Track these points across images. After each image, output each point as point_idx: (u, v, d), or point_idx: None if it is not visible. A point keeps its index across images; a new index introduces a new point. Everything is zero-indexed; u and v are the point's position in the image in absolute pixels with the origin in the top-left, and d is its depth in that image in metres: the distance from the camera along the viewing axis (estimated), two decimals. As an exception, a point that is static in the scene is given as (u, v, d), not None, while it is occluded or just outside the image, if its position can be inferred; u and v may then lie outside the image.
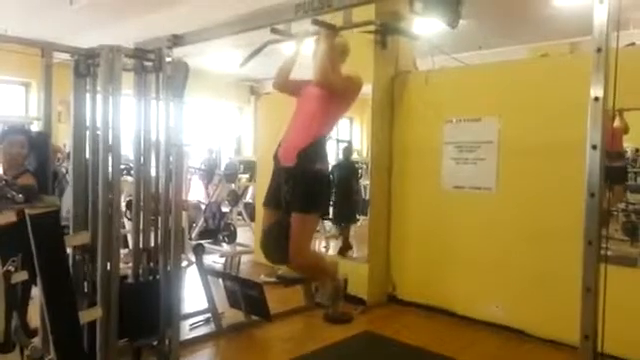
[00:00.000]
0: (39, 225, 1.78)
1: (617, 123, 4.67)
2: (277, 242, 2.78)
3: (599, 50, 1.82)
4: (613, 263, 2.00)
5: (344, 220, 7.30)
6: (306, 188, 2.66)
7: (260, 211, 6.39)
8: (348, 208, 7.23)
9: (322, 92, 2.74)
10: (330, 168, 2.83)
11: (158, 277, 3.13)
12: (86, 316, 2.43)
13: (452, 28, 2.82)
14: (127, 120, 3.06)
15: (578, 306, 1.89)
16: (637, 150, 6.53)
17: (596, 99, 1.82)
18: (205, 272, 4.24)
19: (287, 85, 2.95)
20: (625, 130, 5.33)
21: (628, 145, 6.11)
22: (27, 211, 1.78)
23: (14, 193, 1.87)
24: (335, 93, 2.72)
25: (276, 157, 2.81)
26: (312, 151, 2.65)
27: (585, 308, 1.87)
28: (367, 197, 5.92)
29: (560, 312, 3.66)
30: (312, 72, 2.92)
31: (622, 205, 6.04)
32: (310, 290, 4.65)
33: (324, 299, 3.03)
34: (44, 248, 1.80)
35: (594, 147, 1.82)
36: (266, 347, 3.96)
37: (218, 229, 6.95)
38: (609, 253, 2.05)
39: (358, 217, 7.88)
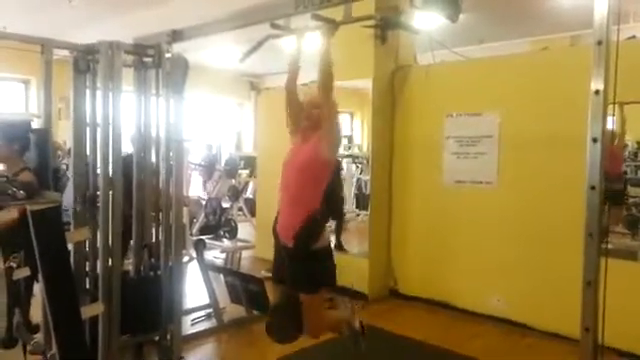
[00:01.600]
0: (40, 221, 1.78)
1: (616, 142, 4.67)
2: (283, 323, 2.79)
3: (600, 43, 1.81)
4: (614, 256, 2.00)
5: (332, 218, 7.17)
6: (308, 270, 2.66)
7: (262, 208, 6.42)
8: (333, 205, 7.11)
9: (305, 157, 2.66)
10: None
11: (159, 273, 3.13)
12: (88, 312, 2.43)
13: (452, 22, 2.81)
14: (127, 116, 3.06)
15: (579, 299, 1.90)
16: (638, 143, 6.51)
17: (597, 92, 1.81)
18: (206, 267, 4.25)
19: (293, 94, 2.91)
20: (623, 136, 5.32)
21: (629, 138, 6.09)
22: (28, 207, 1.78)
23: (15, 189, 1.87)
24: (319, 156, 2.63)
25: (275, 231, 2.79)
26: (307, 232, 2.61)
27: (586, 301, 1.87)
28: (367, 192, 5.92)
29: (561, 305, 3.66)
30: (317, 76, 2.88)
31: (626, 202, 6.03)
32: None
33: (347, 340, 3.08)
34: (45, 244, 1.80)
35: (595, 140, 1.81)
36: (267, 342, 3.93)
37: (219, 225, 6.96)
38: (610, 246, 2.05)
39: (345, 212, 7.82)
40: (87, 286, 3.07)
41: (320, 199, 2.71)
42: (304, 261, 2.64)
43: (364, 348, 3.12)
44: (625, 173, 5.85)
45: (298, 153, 2.72)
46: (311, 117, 2.72)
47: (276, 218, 2.78)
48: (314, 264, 2.66)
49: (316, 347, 3.69)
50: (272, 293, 2.92)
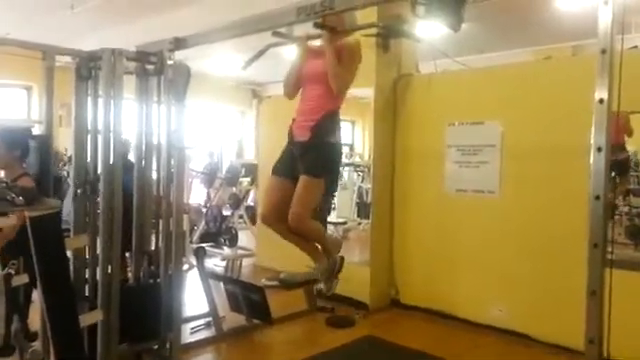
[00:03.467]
0: (39, 227, 1.76)
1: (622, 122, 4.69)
2: (287, 210, 2.81)
3: (604, 52, 1.80)
4: (617, 267, 1.98)
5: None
6: (317, 155, 2.76)
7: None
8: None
9: (324, 70, 2.79)
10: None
11: (159, 280, 3.11)
12: (87, 319, 2.41)
13: (455, 31, 2.80)
14: (129, 123, 3.06)
15: (583, 310, 1.87)
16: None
17: (601, 101, 1.80)
18: (206, 275, 4.23)
19: (296, 87, 2.99)
20: (629, 133, 5.32)
21: (631, 149, 6.08)
22: (27, 213, 1.77)
23: (14, 195, 1.86)
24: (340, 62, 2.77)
25: (290, 132, 2.89)
26: (325, 125, 2.76)
27: (590, 312, 1.85)
28: (369, 200, 5.90)
29: (564, 316, 3.63)
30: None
31: (626, 209, 6.02)
32: (312, 293, 4.64)
33: (318, 275, 3.02)
34: (44, 250, 1.78)
35: (599, 149, 1.80)
36: (267, 351, 3.94)
37: (219, 232, 6.94)
38: (613, 257, 2.03)
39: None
40: (86, 293, 3.05)
41: (339, 102, 2.89)
42: (316, 148, 2.75)
43: (331, 291, 3.08)
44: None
45: (316, 67, 2.82)
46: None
47: (292, 121, 2.86)
48: (324, 152, 2.78)
49: (315, 358, 3.66)
50: (275, 188, 2.91)
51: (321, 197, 2.94)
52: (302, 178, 2.77)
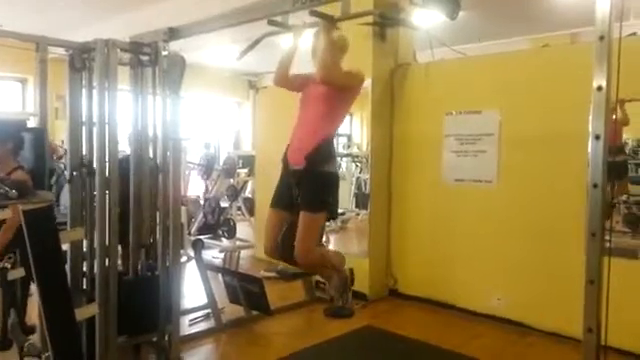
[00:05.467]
0: (33, 220, 1.75)
1: (618, 115, 4.65)
2: (291, 244, 2.78)
3: (602, 38, 1.78)
4: (615, 255, 1.97)
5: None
6: (315, 188, 2.68)
7: (261, 207, 6.39)
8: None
9: (325, 91, 2.74)
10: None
11: (157, 273, 3.11)
12: (83, 313, 2.40)
13: (452, 19, 2.80)
14: (124, 115, 3.03)
15: (581, 299, 1.87)
16: (638, 141, 6.49)
17: (599, 88, 1.78)
18: (204, 267, 4.22)
19: (287, 80, 2.93)
20: (625, 122, 5.30)
21: (629, 137, 6.07)
22: (20, 207, 1.76)
23: (7, 189, 1.84)
24: (338, 89, 2.71)
25: (285, 159, 2.81)
26: (320, 153, 2.68)
27: (588, 300, 1.84)
28: (367, 191, 5.89)
29: (563, 305, 3.64)
30: (313, 67, 2.90)
31: (624, 197, 6.01)
32: (311, 284, 4.64)
33: (332, 293, 3.02)
34: (39, 244, 1.77)
35: (597, 137, 1.79)
36: (267, 342, 3.94)
37: (217, 224, 6.94)
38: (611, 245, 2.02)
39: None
40: (84, 286, 3.05)
41: (336, 127, 2.79)
42: (312, 180, 2.69)
43: (349, 303, 3.10)
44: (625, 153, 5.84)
45: (313, 90, 2.78)
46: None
47: (286, 148, 2.80)
48: (321, 184, 2.71)
49: (315, 348, 3.67)
50: (274, 220, 2.88)
51: (324, 228, 2.90)
52: (302, 215, 2.71)
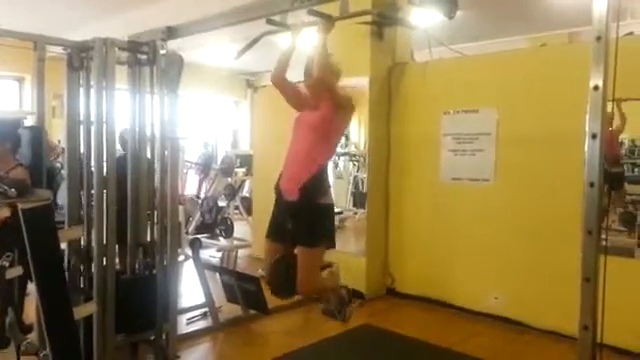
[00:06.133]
0: (32, 219, 1.75)
1: (615, 124, 4.64)
2: (286, 277, 2.76)
3: (599, 39, 1.79)
4: (611, 254, 1.98)
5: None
6: (310, 223, 2.65)
7: (259, 206, 6.40)
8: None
9: (317, 119, 2.69)
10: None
11: (155, 272, 3.11)
12: (81, 311, 2.40)
13: (449, 19, 2.79)
14: (122, 114, 3.03)
15: (577, 297, 1.88)
16: (633, 141, 6.50)
17: (596, 88, 1.79)
18: (202, 266, 4.23)
19: (284, 82, 2.89)
20: (621, 129, 5.30)
21: (625, 136, 6.09)
22: (19, 205, 1.75)
23: (6, 187, 1.84)
24: (329, 116, 2.67)
25: (278, 189, 2.77)
26: (314, 185, 2.63)
27: (584, 299, 1.85)
28: (364, 190, 5.89)
29: (559, 303, 3.65)
30: (306, 83, 2.88)
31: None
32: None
33: (331, 309, 3.02)
34: (37, 242, 1.77)
35: (594, 136, 1.79)
36: (264, 341, 3.95)
37: (215, 223, 6.93)
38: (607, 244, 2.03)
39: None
40: (82, 285, 3.05)
41: (329, 156, 2.75)
42: (307, 213, 2.64)
43: (349, 316, 3.10)
44: (622, 167, 5.82)
45: (310, 113, 2.75)
46: (314, 92, 2.74)
47: (280, 176, 2.77)
48: (317, 217, 2.66)
49: (312, 347, 3.67)
50: (270, 252, 2.87)
51: (323, 259, 2.87)
52: (301, 251, 2.68)
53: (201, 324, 4.06)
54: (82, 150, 3.07)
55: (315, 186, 2.64)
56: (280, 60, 2.88)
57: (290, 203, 2.70)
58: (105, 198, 2.86)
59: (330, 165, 3.03)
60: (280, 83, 2.87)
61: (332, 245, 2.80)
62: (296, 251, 2.74)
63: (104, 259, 2.87)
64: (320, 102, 2.74)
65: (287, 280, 2.76)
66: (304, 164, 2.67)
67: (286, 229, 2.72)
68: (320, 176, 2.68)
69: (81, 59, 3.02)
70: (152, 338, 3.14)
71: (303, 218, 2.66)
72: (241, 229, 7.14)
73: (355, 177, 9.60)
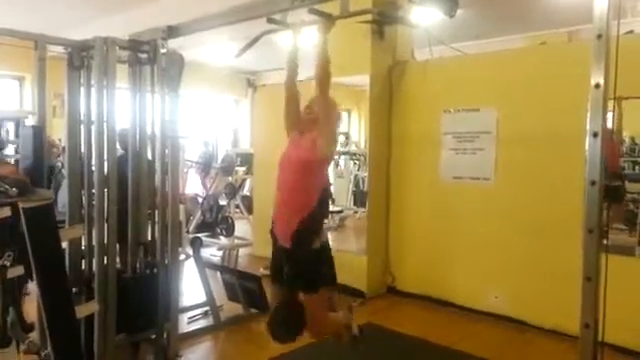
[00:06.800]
0: (33, 218, 1.75)
1: (615, 127, 4.63)
2: (285, 324, 2.76)
3: (600, 37, 1.79)
4: (612, 252, 1.98)
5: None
6: (306, 270, 2.63)
7: (259, 205, 6.40)
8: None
9: (302, 159, 2.63)
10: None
11: (156, 271, 3.11)
12: (83, 310, 2.40)
13: (450, 17, 2.78)
14: (122, 113, 3.03)
15: (578, 295, 1.88)
16: (633, 139, 6.50)
17: (597, 86, 1.79)
18: (203, 265, 4.23)
19: (293, 93, 2.86)
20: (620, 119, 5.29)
21: (625, 134, 6.08)
22: (20, 204, 1.76)
23: (7, 187, 1.84)
24: (312, 162, 2.61)
25: (272, 234, 2.75)
26: (305, 229, 2.58)
27: (585, 297, 1.85)
28: (365, 189, 5.90)
29: (560, 301, 3.65)
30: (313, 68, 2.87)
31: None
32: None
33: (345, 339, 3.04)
34: (38, 241, 1.77)
35: (595, 135, 1.79)
36: (265, 340, 3.91)
37: (216, 222, 6.93)
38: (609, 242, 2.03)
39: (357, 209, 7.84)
40: (83, 284, 3.05)
41: (317, 199, 2.65)
42: (303, 262, 2.61)
43: (362, 349, 3.11)
44: (623, 169, 5.84)
45: (295, 150, 2.69)
46: (311, 112, 2.70)
47: (273, 220, 2.74)
48: (313, 264, 2.62)
49: (313, 346, 3.67)
50: (270, 292, 2.90)
51: (329, 297, 2.85)
52: (305, 298, 2.68)
53: (202, 323, 4.06)
54: (83, 149, 3.06)
55: (307, 231, 2.57)
56: (288, 66, 2.87)
57: (284, 249, 2.66)
58: (106, 197, 2.86)
59: (330, 165, 2.98)
60: (290, 91, 2.83)
61: (334, 283, 2.79)
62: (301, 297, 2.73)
63: (105, 258, 2.87)
64: (310, 127, 2.67)
65: (286, 327, 2.76)
66: (293, 211, 2.59)
67: (282, 274, 2.71)
68: (310, 223, 2.59)
69: (82, 58, 3.01)
70: (153, 337, 3.14)
71: (298, 266, 2.63)
72: (242, 228, 7.14)
73: (356, 176, 9.62)
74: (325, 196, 2.90)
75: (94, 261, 2.92)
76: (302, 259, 2.61)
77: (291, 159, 2.66)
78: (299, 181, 2.61)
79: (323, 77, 2.64)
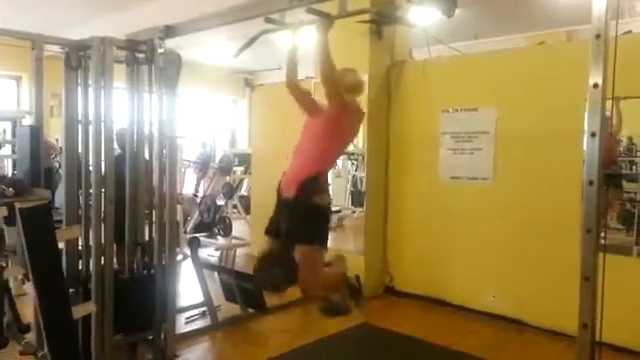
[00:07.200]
0: (29, 219, 1.74)
1: (614, 121, 4.64)
2: (269, 271, 2.77)
3: (598, 36, 1.79)
4: (609, 252, 1.98)
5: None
6: (304, 220, 2.67)
7: (257, 205, 6.39)
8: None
9: (322, 127, 2.73)
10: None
11: (153, 271, 3.10)
12: (80, 311, 2.40)
13: (448, 17, 2.78)
14: (120, 113, 3.02)
15: (575, 295, 1.88)
16: (631, 139, 6.51)
17: (595, 86, 1.79)
18: (200, 265, 4.22)
19: (297, 90, 2.91)
20: (619, 125, 5.30)
21: (623, 134, 6.09)
22: (17, 205, 1.75)
23: (4, 187, 1.83)
24: (338, 121, 2.70)
25: (279, 188, 2.81)
26: (311, 184, 2.66)
27: (583, 297, 1.85)
28: (363, 188, 5.89)
29: (557, 301, 3.66)
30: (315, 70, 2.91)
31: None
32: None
33: (335, 302, 3.02)
34: (35, 242, 1.76)
35: (593, 135, 1.79)
36: (263, 339, 3.95)
37: (213, 222, 6.93)
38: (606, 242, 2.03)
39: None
40: (80, 285, 3.04)
41: (333, 159, 2.88)
42: (304, 212, 2.67)
43: (362, 303, 3.11)
44: (620, 168, 5.84)
45: (313, 122, 2.80)
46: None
47: (283, 175, 2.81)
48: (313, 217, 2.70)
49: (313, 346, 3.67)
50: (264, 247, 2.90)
51: (323, 256, 2.87)
52: (298, 249, 2.70)
53: (200, 323, 4.05)
54: (80, 149, 3.05)
55: (312, 185, 2.67)
56: (288, 66, 2.90)
57: (286, 200, 2.72)
58: (103, 197, 2.85)
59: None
60: (294, 90, 2.89)
61: (325, 246, 2.81)
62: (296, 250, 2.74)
63: (102, 258, 2.86)
64: (330, 105, 2.76)
65: (271, 274, 2.77)
66: (305, 168, 2.71)
67: (281, 226, 2.74)
68: (318, 177, 2.70)
69: (79, 58, 3.00)
70: (151, 337, 3.14)
71: (297, 216, 2.68)
72: (239, 228, 7.13)
73: (354, 176, 9.61)
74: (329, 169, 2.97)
75: (91, 261, 2.91)
76: (304, 209, 2.67)
77: (315, 121, 2.79)
78: (318, 141, 2.74)
79: (327, 76, 2.67)
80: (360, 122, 2.96)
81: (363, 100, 4.88)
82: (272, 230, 2.82)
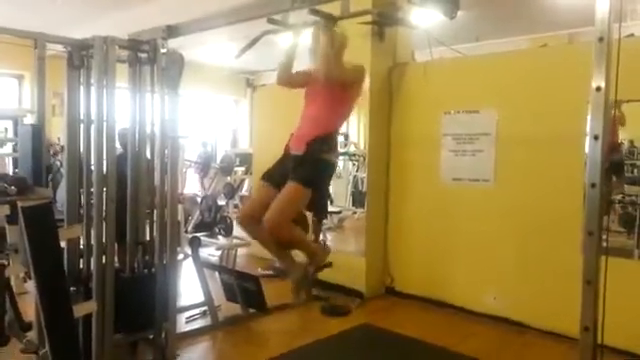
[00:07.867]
0: (32, 217, 1.74)
1: (617, 114, 4.65)
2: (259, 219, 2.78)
3: (601, 39, 1.79)
4: (611, 255, 1.98)
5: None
6: (310, 168, 2.75)
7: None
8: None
9: (326, 88, 2.77)
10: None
11: (154, 270, 3.11)
12: (81, 310, 2.40)
13: (450, 19, 2.79)
14: (122, 113, 3.03)
15: (578, 298, 1.88)
16: (632, 142, 6.51)
17: (598, 89, 1.79)
18: (201, 265, 4.22)
19: (291, 79, 2.96)
20: (622, 122, 5.31)
21: (624, 137, 6.09)
22: (19, 203, 1.75)
23: (6, 185, 1.84)
24: (339, 86, 2.77)
25: (287, 146, 2.86)
26: (321, 141, 2.75)
27: (585, 300, 1.85)
28: (364, 189, 5.89)
29: (558, 303, 3.66)
30: (313, 64, 2.93)
31: (619, 197, 6.03)
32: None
33: (281, 270, 3.02)
34: (37, 240, 1.76)
35: (596, 137, 1.79)
36: (263, 340, 3.95)
37: (214, 222, 6.93)
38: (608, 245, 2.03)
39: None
40: (81, 284, 3.04)
41: (340, 122, 2.95)
42: (308, 162, 2.75)
43: (303, 300, 3.10)
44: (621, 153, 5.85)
45: (318, 86, 2.86)
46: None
47: (290, 136, 2.85)
48: (315, 166, 2.76)
49: (313, 346, 3.67)
50: (260, 192, 2.91)
51: (301, 209, 2.90)
52: (288, 184, 2.69)
53: (200, 323, 4.06)
54: (82, 148, 3.06)
55: (322, 143, 2.78)
56: (283, 62, 2.92)
57: (295, 156, 2.78)
58: (105, 196, 2.85)
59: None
60: (287, 83, 2.94)
61: (324, 214, 2.85)
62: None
63: (103, 257, 2.86)
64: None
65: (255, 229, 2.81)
66: (314, 127, 2.80)
67: (282, 177, 2.76)
68: (328, 136, 2.80)
69: (81, 57, 3.01)
70: (151, 337, 3.14)
71: (304, 165, 2.76)
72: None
73: (355, 177, 9.61)
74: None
75: (92, 260, 2.92)
76: (309, 161, 2.72)
77: (319, 87, 2.85)
78: (325, 103, 2.82)
79: (329, 75, 2.71)
80: (362, 80, 3.00)
81: (364, 101, 4.92)
82: (270, 178, 2.86)
